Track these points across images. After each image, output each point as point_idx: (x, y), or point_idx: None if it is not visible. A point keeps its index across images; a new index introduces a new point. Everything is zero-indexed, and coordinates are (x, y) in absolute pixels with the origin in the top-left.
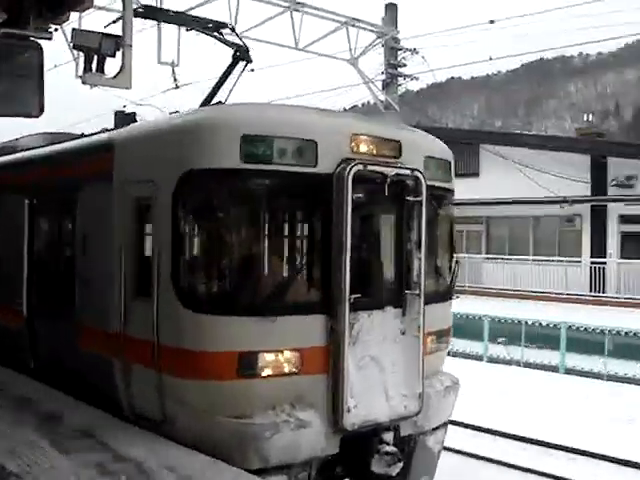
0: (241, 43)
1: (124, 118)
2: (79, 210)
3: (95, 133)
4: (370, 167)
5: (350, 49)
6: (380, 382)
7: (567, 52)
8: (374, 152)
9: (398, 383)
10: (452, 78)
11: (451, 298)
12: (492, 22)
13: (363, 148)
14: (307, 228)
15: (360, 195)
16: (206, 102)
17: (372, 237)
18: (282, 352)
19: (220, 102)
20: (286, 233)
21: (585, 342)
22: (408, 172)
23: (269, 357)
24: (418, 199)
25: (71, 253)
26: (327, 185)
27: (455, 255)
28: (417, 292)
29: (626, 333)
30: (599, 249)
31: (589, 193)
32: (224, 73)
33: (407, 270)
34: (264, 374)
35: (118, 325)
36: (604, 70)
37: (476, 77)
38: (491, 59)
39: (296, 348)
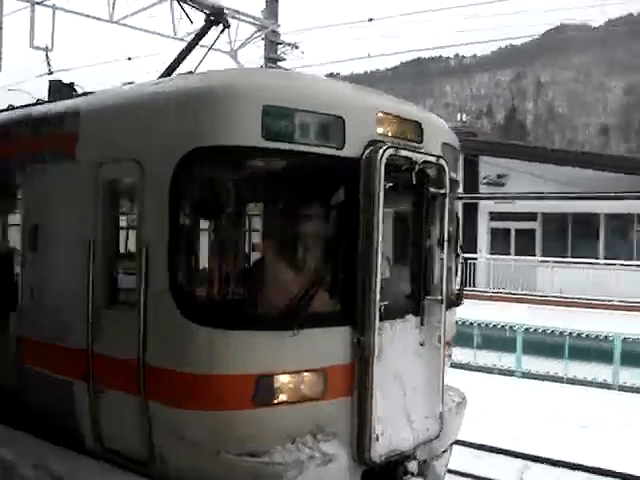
0: (216, 4)
1: (62, 88)
2: (25, 196)
3: (34, 104)
4: (401, 152)
5: (230, 41)
6: (402, 403)
7: (444, 53)
8: (398, 134)
9: (419, 403)
10: (331, 74)
11: (460, 304)
12: (371, 20)
13: (388, 129)
14: (330, 223)
15: (389, 185)
16: (169, 72)
17: (389, 233)
18: (305, 373)
19: (190, 72)
20: (309, 229)
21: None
22: (434, 159)
23: (290, 380)
24: (441, 191)
25: (12, 248)
26: (354, 171)
27: (461, 255)
28: (439, 297)
29: (494, 326)
30: (470, 245)
31: (461, 191)
32: (195, 38)
33: (426, 272)
34: (284, 400)
35: (83, 340)
36: (478, 72)
37: (355, 74)
38: (370, 56)
39: (318, 367)
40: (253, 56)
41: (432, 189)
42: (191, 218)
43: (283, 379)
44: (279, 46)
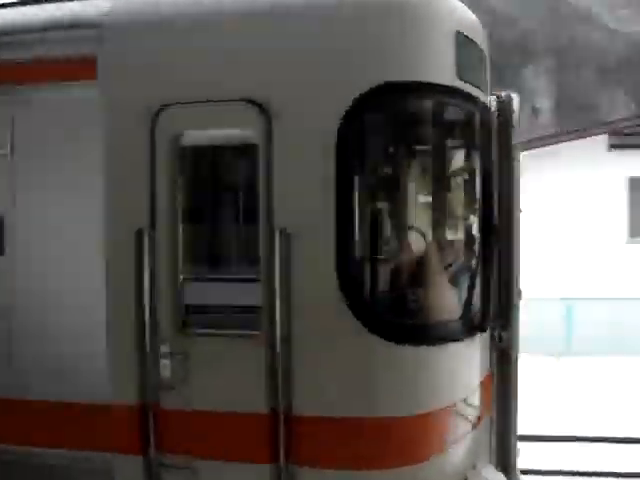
0: None
1: None
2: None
3: None
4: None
5: None
6: None
7: None
8: None
9: None
10: None
11: None
12: None
13: None
14: (480, 193)
15: None
16: None
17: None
18: (477, 388)
19: None
20: (481, 202)
21: None
22: None
23: (473, 400)
24: None
25: None
26: (489, 124)
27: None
28: None
29: None
30: None
31: None
32: None
33: None
34: (468, 429)
35: (130, 390)
36: None
37: None
38: None
39: (482, 380)
40: None
41: None
42: (376, 189)
43: (471, 402)
44: None
